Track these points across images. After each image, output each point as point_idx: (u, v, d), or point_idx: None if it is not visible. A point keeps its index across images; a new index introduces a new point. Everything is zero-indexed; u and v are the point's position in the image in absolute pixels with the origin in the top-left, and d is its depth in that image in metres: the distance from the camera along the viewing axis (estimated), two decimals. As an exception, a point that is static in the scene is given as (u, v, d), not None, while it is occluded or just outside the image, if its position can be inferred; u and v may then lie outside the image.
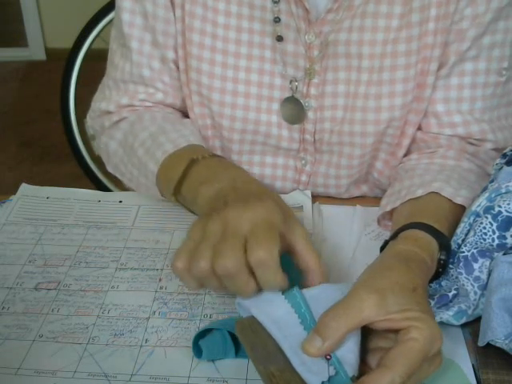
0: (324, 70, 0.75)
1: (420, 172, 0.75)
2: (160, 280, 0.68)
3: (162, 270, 0.69)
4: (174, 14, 0.76)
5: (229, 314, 0.63)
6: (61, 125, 1.85)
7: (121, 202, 0.81)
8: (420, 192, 0.70)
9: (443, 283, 0.64)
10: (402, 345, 0.49)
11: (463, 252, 0.61)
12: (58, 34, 3.41)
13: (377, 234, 0.76)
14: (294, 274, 0.56)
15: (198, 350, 0.58)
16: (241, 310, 0.56)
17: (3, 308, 0.64)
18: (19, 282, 0.68)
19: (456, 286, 0.62)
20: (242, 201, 0.56)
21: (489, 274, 0.60)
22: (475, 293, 0.60)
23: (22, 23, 3.48)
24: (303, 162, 0.82)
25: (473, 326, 0.62)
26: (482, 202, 0.62)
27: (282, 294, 0.55)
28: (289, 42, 0.74)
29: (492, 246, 0.61)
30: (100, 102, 0.83)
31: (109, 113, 0.83)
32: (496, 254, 0.61)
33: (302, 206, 0.80)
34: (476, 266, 0.60)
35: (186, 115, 0.83)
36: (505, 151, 0.66)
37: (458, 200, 0.68)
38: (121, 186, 0.90)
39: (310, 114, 0.78)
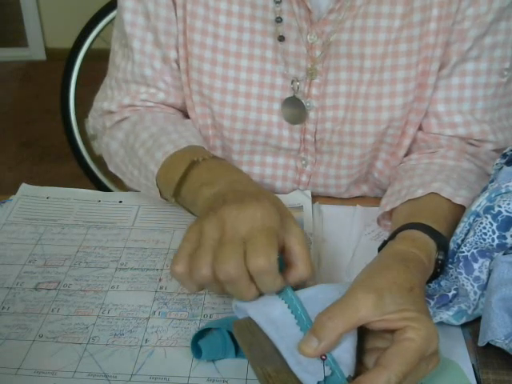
0: (326, 70, 0.75)
1: (420, 172, 0.75)
2: (160, 280, 0.68)
3: (161, 269, 0.69)
4: (176, 14, 0.76)
5: (229, 314, 0.63)
6: (61, 125, 1.85)
7: (121, 202, 0.81)
8: (420, 192, 0.70)
9: (443, 283, 0.64)
10: (398, 344, 0.49)
11: (463, 252, 0.61)
12: (58, 34, 3.41)
13: (377, 234, 0.76)
14: None
15: (197, 351, 0.58)
16: (238, 312, 0.56)
17: (3, 308, 0.64)
18: (19, 282, 0.68)
19: (456, 286, 0.62)
20: (238, 201, 0.56)
21: (489, 274, 0.60)
22: (475, 293, 0.60)
23: (22, 23, 3.48)
24: (304, 162, 0.82)
25: (473, 326, 0.62)
26: (482, 201, 0.62)
27: (277, 293, 0.55)
28: (290, 42, 0.74)
29: (492, 245, 0.61)
30: (102, 101, 0.83)
31: (111, 112, 0.83)
32: (496, 254, 0.61)
33: (302, 206, 0.80)
34: (476, 265, 0.60)
35: (186, 115, 0.83)
36: (505, 151, 0.66)
37: (458, 200, 0.68)
38: (121, 186, 0.90)
39: (312, 114, 0.78)
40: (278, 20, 0.73)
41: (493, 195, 0.62)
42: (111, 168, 0.84)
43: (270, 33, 0.74)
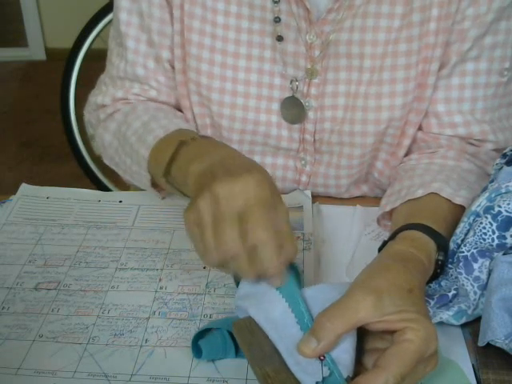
0: (325, 70, 0.75)
1: (420, 172, 0.75)
2: (160, 280, 0.68)
3: (161, 269, 0.69)
4: (172, 15, 0.76)
5: (229, 314, 0.63)
6: (61, 125, 1.85)
7: (121, 201, 0.81)
8: (420, 193, 0.69)
9: (443, 283, 0.64)
10: (396, 346, 0.49)
11: (463, 252, 0.61)
12: (58, 33, 3.41)
13: (377, 234, 0.76)
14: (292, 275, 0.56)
15: (197, 351, 0.58)
16: (239, 311, 0.56)
17: (3, 308, 0.64)
18: (19, 282, 0.68)
19: (456, 286, 0.62)
20: (228, 174, 0.55)
21: (489, 274, 0.60)
22: (475, 293, 0.60)
23: (22, 23, 3.48)
24: (303, 162, 0.82)
25: (473, 326, 0.62)
26: (482, 201, 0.62)
27: (278, 289, 0.54)
28: (289, 41, 0.74)
29: (492, 245, 0.61)
30: (96, 96, 0.84)
31: (104, 106, 0.83)
32: (496, 253, 0.61)
33: (302, 206, 0.80)
34: (476, 265, 0.60)
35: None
36: (505, 151, 0.66)
37: (457, 200, 0.68)
38: (121, 186, 0.90)
39: (311, 114, 0.78)
40: (277, 20, 0.73)
41: (493, 195, 0.62)
42: (106, 160, 0.84)
43: (269, 33, 0.74)
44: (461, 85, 0.75)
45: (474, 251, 0.61)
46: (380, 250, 0.64)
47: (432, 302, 0.62)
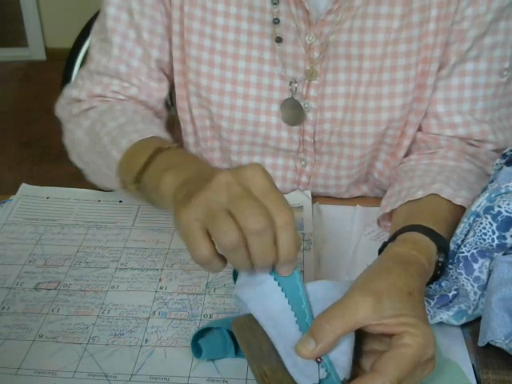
0: (324, 71, 0.75)
1: (420, 173, 0.75)
2: (160, 280, 0.68)
3: (161, 269, 0.69)
4: (163, 15, 0.76)
5: (229, 314, 0.63)
6: (61, 125, 1.85)
7: (121, 201, 0.81)
8: (420, 194, 0.69)
9: (443, 284, 0.64)
10: (394, 350, 0.49)
11: (463, 252, 0.61)
12: (58, 33, 3.41)
13: (377, 234, 0.76)
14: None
15: (197, 350, 0.58)
16: (238, 302, 0.56)
17: (3, 308, 0.64)
18: (19, 282, 0.68)
19: (456, 287, 0.62)
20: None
21: (489, 274, 0.60)
22: (475, 293, 0.60)
23: (22, 23, 3.49)
24: (303, 162, 0.82)
25: (473, 326, 0.62)
26: (482, 202, 0.62)
27: (280, 285, 0.53)
28: (288, 43, 0.74)
29: (492, 246, 0.61)
30: (72, 89, 0.82)
31: (79, 101, 0.81)
32: (496, 254, 0.61)
33: (302, 206, 0.80)
34: (476, 266, 0.60)
35: (157, 115, 0.82)
36: (505, 151, 0.66)
37: (458, 201, 0.68)
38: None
39: (310, 116, 0.78)
40: (276, 21, 0.73)
41: (493, 195, 0.62)
42: (73, 157, 0.81)
43: (268, 34, 0.74)
44: (460, 85, 0.75)
45: (474, 251, 0.61)
46: (380, 251, 0.64)
47: (432, 303, 0.62)
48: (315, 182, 0.84)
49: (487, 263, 0.61)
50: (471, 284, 0.60)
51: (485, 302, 0.59)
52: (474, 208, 0.62)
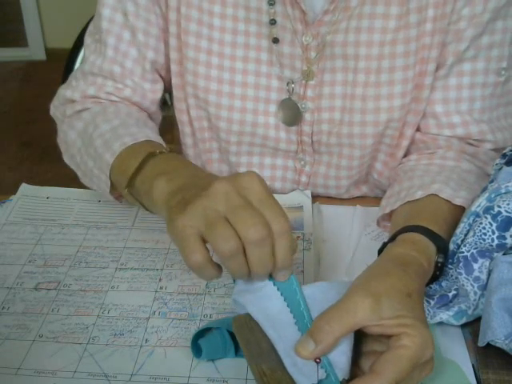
0: (321, 72, 0.75)
1: (419, 173, 0.75)
2: (160, 280, 0.68)
3: (161, 269, 0.69)
4: (167, 17, 0.76)
5: (229, 314, 0.63)
6: (60, 125, 1.85)
7: (121, 202, 0.81)
8: (419, 194, 0.69)
9: (443, 284, 0.64)
10: (392, 351, 0.49)
11: (463, 252, 0.61)
12: (58, 33, 3.41)
13: (377, 234, 0.76)
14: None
15: (197, 350, 0.58)
16: (237, 306, 0.56)
17: (3, 308, 0.64)
18: (19, 282, 0.68)
19: (456, 287, 0.62)
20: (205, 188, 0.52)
21: (488, 274, 0.60)
22: (475, 293, 0.60)
23: (22, 23, 3.49)
24: (302, 162, 0.82)
25: (473, 326, 0.62)
26: (482, 202, 0.62)
27: (279, 290, 0.54)
28: (285, 43, 0.74)
29: (492, 246, 0.61)
30: (65, 89, 0.82)
31: (72, 101, 0.81)
32: (496, 254, 0.61)
33: (302, 206, 0.80)
34: (476, 266, 0.60)
35: (150, 116, 0.82)
36: (504, 151, 0.66)
37: (457, 201, 0.68)
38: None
39: (307, 116, 0.78)
40: (272, 22, 0.73)
41: (492, 195, 0.62)
42: (66, 159, 0.81)
43: (265, 35, 0.74)
44: (458, 85, 0.75)
45: (474, 251, 0.61)
46: (380, 251, 0.64)
47: (432, 302, 0.62)
48: (315, 182, 0.84)
49: (487, 263, 0.61)
50: (471, 284, 0.60)
51: (485, 302, 0.59)
52: (473, 208, 0.62)
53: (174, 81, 0.80)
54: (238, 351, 0.58)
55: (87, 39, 0.82)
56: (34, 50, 3.53)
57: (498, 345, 0.57)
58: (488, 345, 0.57)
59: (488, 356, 0.58)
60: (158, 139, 0.72)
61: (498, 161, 0.66)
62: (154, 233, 0.75)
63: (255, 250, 0.50)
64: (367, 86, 0.74)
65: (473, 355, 0.59)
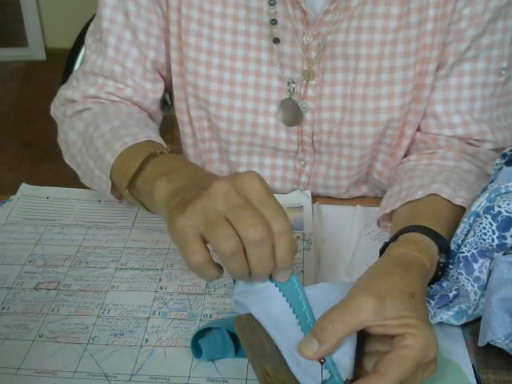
0: (322, 72, 0.75)
1: (419, 173, 0.75)
2: (160, 280, 0.68)
3: (161, 269, 0.69)
4: (159, 16, 0.76)
5: (229, 314, 0.63)
6: (60, 125, 1.85)
7: (121, 201, 0.81)
8: (419, 194, 0.69)
9: (444, 284, 0.64)
10: (396, 351, 0.49)
11: (463, 252, 0.61)
12: (58, 33, 3.41)
13: (377, 234, 0.76)
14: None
15: (197, 350, 0.58)
16: (238, 307, 0.56)
17: (3, 308, 0.64)
18: (19, 282, 0.68)
19: (456, 287, 0.62)
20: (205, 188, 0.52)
21: (489, 274, 0.60)
22: (475, 293, 0.60)
23: (22, 23, 3.49)
24: (302, 162, 0.82)
25: (473, 326, 0.62)
26: (482, 202, 0.62)
27: (281, 291, 0.54)
28: (286, 43, 0.74)
29: (492, 246, 0.61)
30: (66, 90, 0.82)
31: (73, 101, 0.81)
32: (496, 254, 0.61)
33: (302, 206, 0.80)
34: (476, 266, 0.60)
35: (151, 116, 0.82)
36: (504, 151, 0.66)
37: (458, 201, 0.68)
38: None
39: (308, 116, 0.78)
40: (273, 22, 0.73)
41: (493, 195, 0.62)
42: (66, 159, 0.81)
43: (265, 35, 0.74)
44: (458, 85, 0.75)
45: (474, 251, 0.61)
46: (381, 251, 0.64)
47: (433, 303, 0.62)
48: (315, 182, 0.84)
49: (487, 263, 0.61)
50: (471, 284, 0.60)
51: (485, 302, 0.59)
52: (474, 208, 0.62)
53: (175, 81, 0.80)
54: (238, 351, 0.58)
55: (88, 39, 0.82)
56: (34, 50, 3.53)
57: (498, 345, 0.57)
58: (488, 345, 0.57)
59: (488, 356, 0.58)
60: (159, 139, 0.72)
61: (498, 161, 0.66)
62: (153, 233, 0.75)
63: (255, 250, 0.50)
64: (368, 85, 0.74)
65: (473, 355, 0.59)
